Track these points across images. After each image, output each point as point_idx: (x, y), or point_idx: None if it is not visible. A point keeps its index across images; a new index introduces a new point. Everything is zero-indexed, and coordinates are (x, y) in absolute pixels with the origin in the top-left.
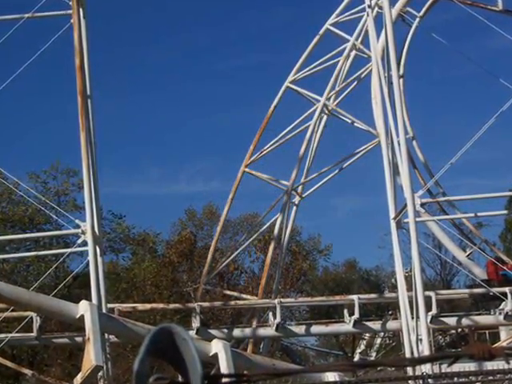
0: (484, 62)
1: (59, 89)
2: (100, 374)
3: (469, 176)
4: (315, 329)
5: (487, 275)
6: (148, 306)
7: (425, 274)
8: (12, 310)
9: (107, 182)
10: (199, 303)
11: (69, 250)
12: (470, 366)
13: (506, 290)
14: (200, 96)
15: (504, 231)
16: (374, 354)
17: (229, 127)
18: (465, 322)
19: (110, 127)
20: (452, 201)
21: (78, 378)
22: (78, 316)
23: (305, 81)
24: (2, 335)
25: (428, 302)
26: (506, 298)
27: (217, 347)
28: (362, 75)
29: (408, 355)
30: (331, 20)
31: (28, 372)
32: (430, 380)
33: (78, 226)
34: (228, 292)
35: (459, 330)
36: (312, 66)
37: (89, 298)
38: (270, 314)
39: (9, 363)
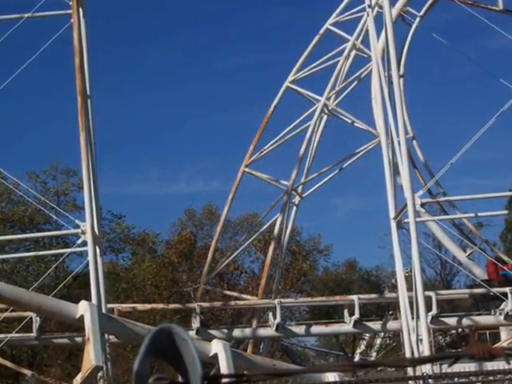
0: (484, 61)
1: (59, 89)
2: (100, 374)
3: (469, 176)
4: (315, 329)
5: (487, 275)
6: (148, 306)
7: (425, 274)
8: (12, 310)
9: (107, 181)
10: (199, 303)
11: (68, 250)
12: (471, 367)
13: (507, 290)
14: (200, 95)
15: (504, 231)
16: (374, 355)
17: (229, 127)
18: (465, 322)
19: (110, 127)
20: (452, 201)
21: (78, 378)
22: (77, 316)
23: (305, 81)
24: (2, 335)
25: (428, 302)
26: (507, 298)
27: (217, 347)
28: (362, 75)
29: (408, 355)
30: (331, 20)
31: (28, 372)
32: (430, 380)
33: (77, 226)
34: (228, 292)
35: (459, 330)
36: (312, 65)
37: (88, 298)
38: (270, 314)
39: (8, 363)
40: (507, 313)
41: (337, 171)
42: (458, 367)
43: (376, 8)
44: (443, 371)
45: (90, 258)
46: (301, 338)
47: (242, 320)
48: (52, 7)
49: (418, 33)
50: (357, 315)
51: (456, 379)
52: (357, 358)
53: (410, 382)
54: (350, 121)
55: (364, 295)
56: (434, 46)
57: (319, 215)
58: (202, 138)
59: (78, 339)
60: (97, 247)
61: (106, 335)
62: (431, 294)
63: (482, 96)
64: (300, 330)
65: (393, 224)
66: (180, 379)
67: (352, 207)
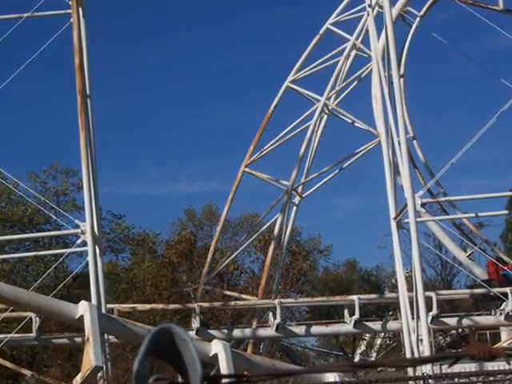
0: (484, 61)
1: (59, 88)
2: (99, 374)
3: (469, 176)
4: (315, 329)
5: (488, 275)
6: (148, 306)
7: (425, 275)
8: (11, 311)
9: (107, 181)
10: (199, 303)
11: (68, 250)
12: (471, 367)
13: (507, 290)
14: (200, 95)
15: (505, 231)
16: (374, 355)
17: (229, 127)
18: (465, 322)
19: (110, 127)
20: (452, 201)
21: (78, 378)
22: (77, 316)
23: (305, 80)
24: (2, 336)
25: (428, 302)
26: (507, 299)
27: (217, 348)
28: (363, 75)
29: (408, 356)
30: (331, 19)
31: (27, 372)
32: (430, 380)
33: (77, 226)
34: (228, 292)
35: (460, 330)
36: (312, 65)
37: (88, 299)
38: (270, 314)
39: (8, 364)
40: (507, 313)
41: (337, 171)
42: (458, 367)
43: (376, 8)
44: (443, 371)
45: (90, 258)
46: (301, 339)
47: (242, 320)
48: (52, 7)
49: (418, 32)
50: (357, 315)
51: (456, 379)
52: (357, 358)
53: (410, 382)
54: (350, 121)
55: (364, 295)
56: (434, 45)
57: (319, 215)
58: (202, 138)
59: (78, 339)
60: (96, 247)
61: (106, 335)
62: (431, 294)
63: (483, 96)
64: (300, 330)
65: (393, 224)
66: (180, 379)
67: (352, 207)
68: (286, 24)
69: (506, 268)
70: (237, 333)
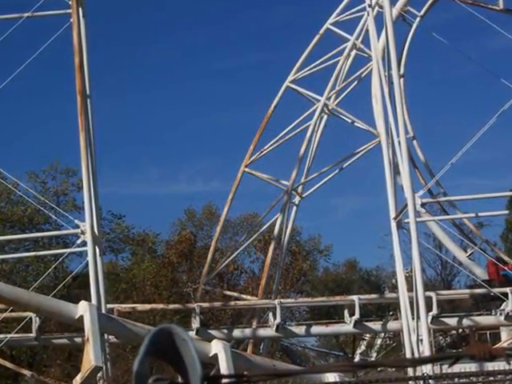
0: (484, 61)
1: (59, 88)
2: (99, 374)
3: (469, 176)
4: (315, 329)
5: (488, 275)
6: (148, 306)
7: (425, 275)
8: (11, 311)
9: (107, 181)
10: (199, 303)
11: (68, 251)
12: (471, 367)
13: (507, 290)
14: (199, 95)
15: (505, 231)
16: (374, 355)
17: (229, 127)
18: (465, 322)
19: (110, 127)
20: (453, 201)
21: (78, 378)
22: (77, 316)
23: (305, 80)
24: (2, 336)
25: (428, 302)
26: (507, 299)
27: (217, 348)
28: (363, 75)
29: (409, 356)
30: (331, 19)
31: (27, 373)
32: (430, 381)
33: (77, 226)
34: (228, 292)
35: (460, 330)
36: (312, 65)
37: (88, 299)
38: (270, 314)
39: (8, 364)
40: (508, 313)
41: (337, 171)
42: (458, 367)
43: (376, 8)
44: (444, 371)
45: (90, 258)
46: (301, 339)
47: (242, 320)
48: (52, 7)
49: (419, 32)
50: (357, 315)
51: (456, 380)
52: (357, 358)
53: (410, 382)
54: (350, 121)
55: (364, 295)
56: (435, 45)
57: (319, 215)
58: (202, 138)
59: (78, 339)
60: (96, 247)
61: (106, 335)
62: (431, 294)
63: (483, 96)
64: (300, 330)
65: (393, 224)
66: (180, 380)
67: (352, 207)
68: (285, 24)
69: (506, 268)
70: (237, 333)
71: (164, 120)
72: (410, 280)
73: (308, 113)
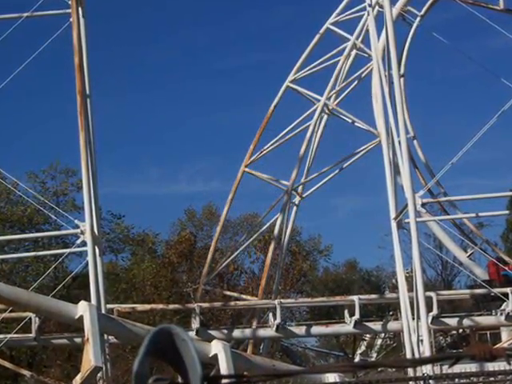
0: (485, 61)
1: (58, 88)
2: (99, 374)
3: (470, 176)
4: (315, 329)
5: (488, 276)
6: (147, 306)
7: (426, 275)
8: (11, 311)
9: (106, 181)
10: (199, 304)
11: (68, 251)
12: (472, 367)
13: (508, 290)
14: (199, 95)
15: (505, 231)
16: (374, 355)
17: (229, 127)
18: (466, 322)
19: (110, 126)
20: (453, 201)
21: (78, 378)
22: (77, 317)
23: (305, 80)
24: (1, 336)
25: (429, 302)
26: (508, 299)
27: (216, 348)
28: (363, 75)
29: (409, 356)
30: (332, 19)
31: (27, 373)
32: (431, 381)
33: (77, 227)
34: (228, 292)
35: (460, 330)
36: (312, 65)
37: (88, 299)
38: (270, 314)
39: (7, 364)
40: (508, 313)
41: (337, 171)
42: (458, 368)
43: (376, 7)
44: (444, 372)
45: (90, 258)
46: (301, 339)
47: (242, 320)
48: (51, 6)
49: (419, 32)
50: (357, 316)
51: (457, 380)
52: (357, 358)
53: (410, 382)
54: (350, 120)
55: (364, 296)
56: (435, 45)
57: (319, 215)
58: (202, 138)
59: (78, 340)
60: (96, 247)
61: (106, 336)
62: (432, 294)
63: (483, 96)
64: (300, 330)
65: (393, 224)
66: (180, 380)
67: (352, 207)
68: (285, 24)
69: (506, 268)
70: (237, 333)
71: (164, 120)
72: (410, 280)
73: (308, 113)
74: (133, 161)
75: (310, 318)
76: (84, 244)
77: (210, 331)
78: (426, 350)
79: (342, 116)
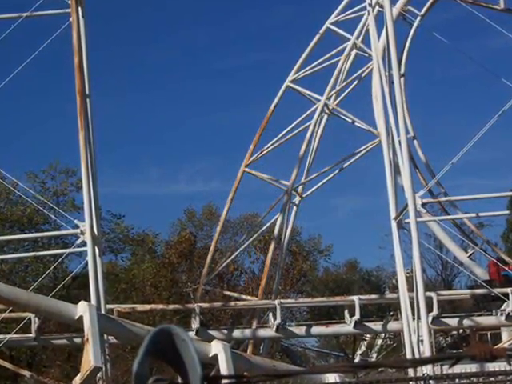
0: (485, 61)
1: (58, 88)
2: (99, 375)
3: (470, 176)
4: (315, 330)
5: (489, 276)
6: (147, 306)
7: (426, 275)
8: (10, 311)
9: (106, 181)
10: (199, 304)
11: (67, 251)
12: (472, 368)
13: (508, 290)
14: (199, 95)
15: (506, 231)
16: (374, 355)
17: (228, 127)
18: (466, 322)
19: (109, 126)
20: (453, 201)
21: (77, 379)
22: (76, 317)
23: (305, 80)
24: (1, 336)
25: (429, 302)
26: (508, 299)
27: (216, 348)
28: (363, 74)
29: (409, 356)
30: (332, 19)
31: (26, 373)
32: (431, 381)
33: (76, 227)
34: (228, 293)
35: (460, 330)
36: (312, 65)
37: (88, 299)
38: (270, 314)
39: (7, 364)
40: (508, 313)
41: (337, 171)
42: (459, 368)
43: (377, 7)
44: (444, 372)
45: (89, 258)
46: (301, 339)
47: (242, 321)
48: (51, 6)
49: (419, 32)
50: (357, 316)
51: (457, 380)
52: (357, 358)
53: (410, 383)
54: (350, 120)
55: (364, 296)
56: (435, 45)
57: (319, 215)
58: (202, 138)
59: (77, 340)
60: (96, 247)
61: (106, 336)
62: (432, 294)
63: (483, 96)
64: (300, 330)
65: (393, 224)
66: (180, 380)
67: (352, 207)
68: (285, 23)
69: (506, 268)
70: (237, 333)
71: (164, 120)
72: (410, 280)
73: (308, 113)
74: (133, 161)
75: (310, 318)
76: (84, 244)
77: (210, 331)
78: (426, 351)
79: (342, 116)
